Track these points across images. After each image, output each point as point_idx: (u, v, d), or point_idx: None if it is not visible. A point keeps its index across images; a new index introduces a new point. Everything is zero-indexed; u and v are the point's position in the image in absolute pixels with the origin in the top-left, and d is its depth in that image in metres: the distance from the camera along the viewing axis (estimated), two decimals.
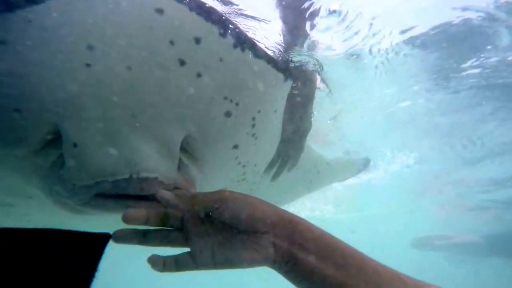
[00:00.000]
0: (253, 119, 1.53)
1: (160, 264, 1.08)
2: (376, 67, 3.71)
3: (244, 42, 1.27)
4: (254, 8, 2.59)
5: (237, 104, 1.38)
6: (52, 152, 1.21)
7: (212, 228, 1.07)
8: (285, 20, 2.73)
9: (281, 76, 1.50)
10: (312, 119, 3.02)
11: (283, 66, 1.48)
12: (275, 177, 2.62)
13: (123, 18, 1.07)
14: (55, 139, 1.19)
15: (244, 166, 1.82)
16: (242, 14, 2.59)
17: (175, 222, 1.13)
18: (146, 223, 1.10)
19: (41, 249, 1.00)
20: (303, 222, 1.05)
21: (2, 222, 1.90)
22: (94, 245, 1.03)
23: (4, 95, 1.08)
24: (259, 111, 1.53)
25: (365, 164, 4.82)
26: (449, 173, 8.68)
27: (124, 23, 1.08)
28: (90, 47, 1.06)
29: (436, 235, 12.69)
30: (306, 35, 2.93)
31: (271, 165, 2.38)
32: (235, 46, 1.25)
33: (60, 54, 1.05)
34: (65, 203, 1.31)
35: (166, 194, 1.15)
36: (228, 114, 1.37)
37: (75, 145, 1.14)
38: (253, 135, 1.61)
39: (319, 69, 3.46)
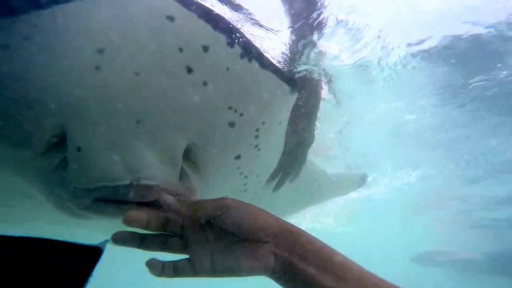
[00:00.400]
0: (257, 130, 1.50)
1: (159, 268, 1.06)
2: (384, 79, 3.69)
3: (251, 52, 1.26)
4: (262, 16, 2.58)
5: (241, 115, 1.36)
6: (56, 155, 1.21)
7: (212, 235, 1.07)
8: (293, 29, 2.70)
9: (287, 88, 1.48)
10: (316, 132, 2.97)
11: (290, 77, 1.45)
12: (276, 188, 2.58)
13: (135, 23, 1.09)
14: (60, 142, 1.19)
15: (246, 176, 1.79)
16: (251, 19, 2.57)
17: (175, 228, 1.11)
18: (146, 227, 1.08)
19: (28, 259, 0.96)
20: (304, 233, 1.06)
21: (2, 220, 1.90)
22: (85, 259, 0.98)
23: (14, 97, 1.10)
24: (263, 123, 1.51)
25: (363, 179, 4.80)
26: (451, 190, 8.63)
27: (135, 28, 1.09)
28: (101, 51, 1.07)
29: (437, 251, 12.61)
30: (313, 44, 2.90)
31: (273, 176, 2.35)
32: (242, 56, 1.24)
33: (70, 56, 1.07)
34: (65, 206, 1.30)
35: (169, 199, 1.14)
36: (232, 124, 1.36)
37: (78, 149, 1.13)
38: (256, 146, 1.58)
39: (326, 80, 3.44)
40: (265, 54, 1.32)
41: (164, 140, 1.22)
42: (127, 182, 1.17)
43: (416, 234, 13.21)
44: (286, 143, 2.17)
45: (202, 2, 1.14)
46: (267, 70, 1.34)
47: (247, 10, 2.49)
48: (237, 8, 2.47)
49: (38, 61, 1.07)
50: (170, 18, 1.10)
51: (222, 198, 1.10)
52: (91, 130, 1.13)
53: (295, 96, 1.60)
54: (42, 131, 1.15)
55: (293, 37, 2.77)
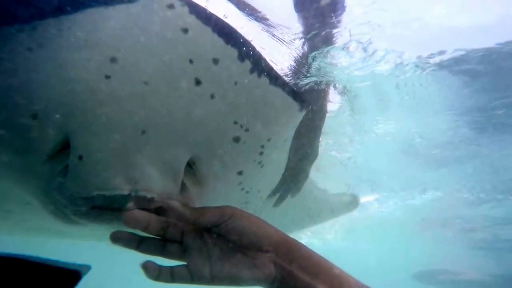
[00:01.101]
0: (262, 147, 1.48)
1: (155, 272, 1.06)
2: (402, 98, 3.66)
3: (261, 68, 1.25)
4: (273, 22, 2.56)
5: (247, 130, 1.34)
6: (58, 162, 1.21)
7: (212, 242, 1.08)
8: (304, 39, 2.68)
9: (296, 105, 1.45)
10: (320, 147, 2.95)
11: (299, 95, 1.43)
12: (277, 203, 2.56)
13: (150, 34, 1.09)
14: (63, 149, 1.19)
15: (247, 192, 1.76)
16: (263, 26, 2.56)
17: (175, 233, 1.11)
18: (145, 229, 1.08)
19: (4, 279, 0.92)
20: (302, 246, 1.08)
21: (2, 226, 1.88)
22: (63, 282, 0.96)
23: (21, 106, 1.11)
24: (269, 139, 1.48)
25: (355, 204, 4.75)
26: (456, 209, 8.52)
27: (150, 38, 1.10)
28: (113, 59, 1.08)
29: (440, 270, 12.39)
30: (324, 56, 2.88)
31: (274, 191, 2.32)
32: (252, 71, 1.23)
33: (81, 65, 1.08)
34: (61, 213, 1.29)
35: (174, 203, 1.14)
36: (237, 139, 1.35)
37: (80, 158, 1.13)
38: (260, 162, 1.55)
39: (338, 91, 3.40)
40: (275, 68, 1.30)
41: (167, 152, 1.21)
42: (125, 192, 1.15)
43: (419, 251, 13.03)
44: (289, 159, 2.15)
45: (217, 15, 1.15)
46: (277, 86, 1.32)
47: (259, 15, 2.48)
48: (250, 13, 2.46)
49: (48, 70, 1.08)
50: (185, 30, 1.11)
51: (226, 206, 1.11)
52: (95, 139, 1.12)
53: (303, 113, 1.58)
54: (47, 139, 1.15)
55: (304, 47, 2.75)
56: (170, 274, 1.05)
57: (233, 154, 1.39)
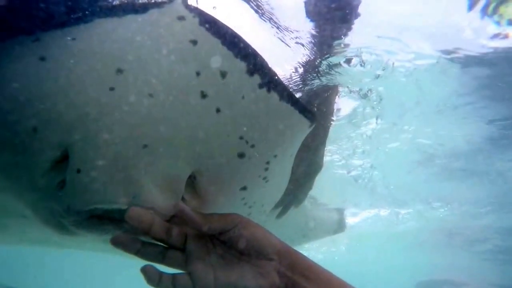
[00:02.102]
0: (268, 163, 1.44)
1: (155, 277, 1.03)
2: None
3: (271, 83, 1.21)
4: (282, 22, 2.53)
5: (252, 146, 1.30)
6: (56, 174, 1.18)
7: (217, 250, 1.08)
8: (315, 43, 2.66)
9: (307, 122, 1.41)
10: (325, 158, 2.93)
11: (310, 111, 1.39)
12: (280, 215, 2.53)
13: (158, 45, 1.08)
14: (61, 162, 1.16)
15: (250, 206, 1.73)
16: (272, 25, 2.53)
17: (178, 239, 1.09)
18: (148, 230, 1.05)
19: None
20: (304, 256, 1.09)
21: None
22: None
23: (22, 114, 1.08)
24: (275, 156, 1.44)
25: (341, 226, 4.71)
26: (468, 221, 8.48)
27: (157, 49, 1.08)
28: (119, 71, 1.06)
29: (444, 280, 12.21)
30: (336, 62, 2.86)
31: (278, 204, 2.29)
32: (261, 86, 1.20)
33: (84, 76, 1.06)
34: (58, 223, 1.27)
35: (185, 207, 1.12)
36: (241, 155, 1.31)
37: (78, 171, 1.10)
38: (265, 178, 1.51)
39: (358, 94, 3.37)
40: (287, 86, 1.26)
41: (168, 166, 1.18)
42: (123, 206, 1.13)
43: (423, 261, 12.91)
44: (293, 171, 2.13)
45: (229, 27, 1.12)
46: (287, 103, 1.28)
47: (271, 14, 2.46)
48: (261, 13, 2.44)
49: (50, 82, 1.07)
50: (193, 42, 1.09)
51: (233, 214, 1.11)
52: (94, 153, 1.10)
53: (312, 128, 1.55)
54: (46, 153, 1.13)
55: (314, 51, 2.74)
56: (172, 282, 1.03)
57: (236, 170, 1.35)
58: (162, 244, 1.11)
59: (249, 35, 1.20)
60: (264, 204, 1.91)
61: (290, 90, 1.27)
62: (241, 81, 1.17)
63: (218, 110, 1.18)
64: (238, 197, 1.55)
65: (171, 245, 1.10)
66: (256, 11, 2.38)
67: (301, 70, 2.85)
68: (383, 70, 3.03)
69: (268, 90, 1.21)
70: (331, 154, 4.76)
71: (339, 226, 4.65)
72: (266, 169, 1.47)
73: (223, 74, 1.14)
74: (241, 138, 1.27)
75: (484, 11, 2.52)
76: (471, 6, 2.49)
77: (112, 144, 1.10)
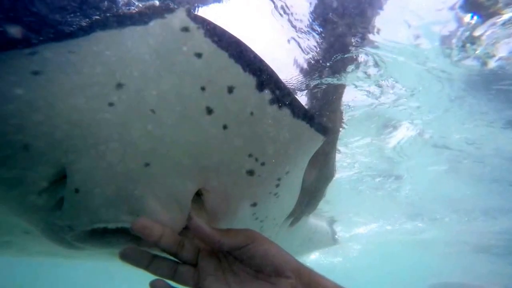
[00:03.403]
0: (279, 179, 1.37)
1: None
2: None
3: (283, 99, 1.13)
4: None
5: (263, 164, 1.23)
6: (53, 194, 1.13)
7: (232, 266, 1.04)
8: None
9: (320, 137, 1.33)
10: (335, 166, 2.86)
11: (324, 126, 1.32)
12: (293, 223, 2.48)
13: (161, 58, 1.01)
14: (59, 180, 1.11)
15: (262, 221, 1.67)
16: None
17: (190, 254, 1.05)
18: (158, 240, 1.00)
19: None
20: (317, 273, 1.05)
21: (3, 254, 1.83)
22: None
23: (12, 131, 1.02)
24: (287, 172, 1.37)
25: (335, 240, 4.72)
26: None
27: (160, 63, 1.01)
28: (120, 85, 1.00)
29: (457, 283, 11.99)
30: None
31: (290, 214, 2.24)
32: (271, 102, 1.12)
33: (87, 89, 1.00)
34: (61, 239, 1.23)
35: (200, 222, 1.07)
36: (251, 172, 1.24)
37: (76, 191, 1.05)
38: (276, 194, 1.45)
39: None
40: (299, 101, 1.18)
41: (172, 186, 1.12)
42: (127, 225, 1.09)
43: (434, 264, 12.78)
44: (304, 181, 2.07)
45: (237, 38, 1.05)
46: (300, 119, 1.20)
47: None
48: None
49: (45, 97, 1.01)
50: (198, 55, 1.02)
51: (248, 229, 1.08)
52: (93, 172, 1.04)
53: (323, 140, 1.50)
54: (40, 172, 1.07)
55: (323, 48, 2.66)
56: None
57: (246, 188, 1.29)
58: (173, 259, 1.06)
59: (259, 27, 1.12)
60: (276, 218, 1.86)
61: (303, 105, 1.19)
62: (250, 97, 1.10)
63: (225, 127, 1.11)
64: (249, 213, 1.49)
65: (183, 260, 1.05)
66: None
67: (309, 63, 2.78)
68: None
69: (280, 107, 1.14)
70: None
71: (334, 239, 4.67)
72: (277, 185, 1.41)
73: (231, 89, 1.07)
74: (250, 155, 1.21)
75: None
76: None
77: (111, 163, 1.05)
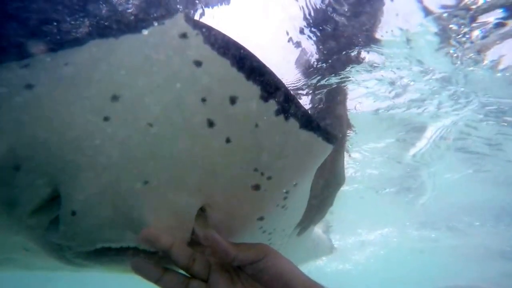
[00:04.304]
0: (287, 192, 1.30)
1: None
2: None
3: (290, 109, 1.05)
4: None
5: (269, 178, 1.15)
6: (47, 214, 1.08)
7: (244, 282, 1.02)
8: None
9: (328, 146, 1.25)
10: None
11: (333, 134, 1.23)
12: (300, 233, 2.41)
13: (158, 68, 0.96)
14: (51, 200, 1.06)
15: (270, 233, 1.61)
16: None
17: (202, 268, 1.02)
18: (168, 251, 0.97)
19: None
20: None
21: (5, 270, 1.79)
22: None
23: (5, 148, 0.97)
24: (295, 184, 1.30)
25: (331, 249, 4.66)
26: None
27: (157, 73, 0.95)
28: (115, 97, 0.94)
29: (467, 285, 11.79)
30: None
31: (299, 223, 2.17)
32: (277, 112, 1.04)
33: (79, 103, 0.95)
34: (62, 256, 1.19)
35: (217, 235, 1.03)
36: (257, 187, 1.17)
37: (73, 213, 1.00)
38: (284, 206, 1.39)
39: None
40: (308, 111, 1.13)
41: (174, 203, 1.07)
42: (132, 244, 1.05)
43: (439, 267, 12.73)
44: (312, 188, 2.01)
45: (239, 44, 0.97)
46: (308, 130, 1.11)
47: None
48: None
49: (36, 112, 0.95)
50: (198, 63, 0.95)
51: (261, 244, 1.07)
52: (89, 193, 0.99)
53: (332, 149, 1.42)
54: (32, 193, 1.02)
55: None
56: None
57: (251, 203, 1.22)
58: (184, 273, 1.03)
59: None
60: (285, 229, 1.81)
61: (311, 114, 1.11)
62: (254, 108, 1.02)
63: (228, 140, 1.05)
64: (256, 227, 1.43)
65: (194, 274, 1.02)
66: None
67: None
68: None
69: (286, 118, 1.05)
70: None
71: (332, 247, 4.62)
72: (285, 198, 1.34)
73: (233, 100, 1.00)
74: (255, 170, 1.13)
75: None
76: None
77: (109, 182, 1.00)
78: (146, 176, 1.01)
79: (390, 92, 3.19)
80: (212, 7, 2.01)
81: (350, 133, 3.75)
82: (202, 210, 1.18)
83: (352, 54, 2.61)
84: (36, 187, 1.01)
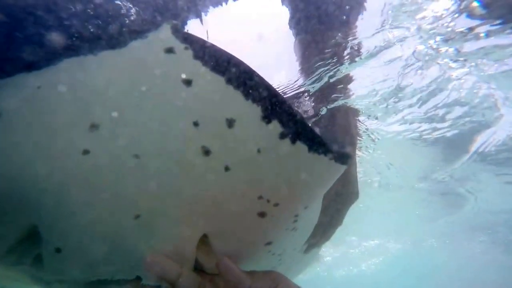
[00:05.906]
0: (296, 215, 1.19)
1: None
2: None
3: (296, 131, 0.92)
4: None
5: (276, 205, 1.04)
6: (27, 251, 1.01)
7: None
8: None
9: (340, 167, 1.12)
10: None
11: (346, 154, 1.10)
12: (307, 250, 2.34)
13: (142, 89, 0.84)
14: (31, 237, 0.98)
15: (280, 254, 1.54)
16: None
17: None
18: (175, 281, 0.92)
19: None
20: None
21: None
22: None
23: None
24: (306, 207, 1.20)
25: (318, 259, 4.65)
26: None
27: (142, 94, 0.84)
28: (94, 126, 0.84)
29: None
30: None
31: (308, 240, 2.10)
32: (283, 135, 0.91)
33: (56, 135, 0.84)
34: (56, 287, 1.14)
35: (230, 262, 1.00)
36: (262, 214, 1.07)
37: (58, 250, 0.93)
38: (294, 229, 1.30)
39: None
40: (318, 133, 0.97)
41: (170, 235, 1.00)
42: (132, 277, 1.01)
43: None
44: (325, 205, 1.93)
45: (236, 58, 0.84)
46: (317, 153, 0.98)
47: None
48: None
49: (6, 146, 0.84)
50: (187, 82, 0.84)
51: (272, 272, 1.06)
52: (74, 231, 0.91)
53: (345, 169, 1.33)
54: (4, 230, 0.95)
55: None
56: None
57: (257, 230, 1.13)
58: None
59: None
60: (296, 248, 1.74)
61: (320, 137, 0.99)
62: (255, 131, 0.90)
63: (227, 169, 0.94)
64: (264, 251, 1.34)
65: None
66: None
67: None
68: None
69: (293, 141, 0.93)
70: None
71: (320, 256, 4.58)
72: (295, 221, 1.23)
73: (230, 123, 0.89)
74: (260, 197, 1.02)
75: None
76: None
77: (94, 218, 0.91)
78: (136, 210, 0.94)
79: None
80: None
81: (359, 140, 3.67)
82: (205, 236, 1.11)
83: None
84: (9, 224, 0.92)
